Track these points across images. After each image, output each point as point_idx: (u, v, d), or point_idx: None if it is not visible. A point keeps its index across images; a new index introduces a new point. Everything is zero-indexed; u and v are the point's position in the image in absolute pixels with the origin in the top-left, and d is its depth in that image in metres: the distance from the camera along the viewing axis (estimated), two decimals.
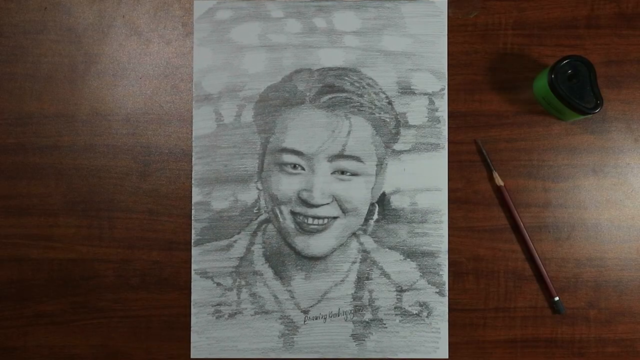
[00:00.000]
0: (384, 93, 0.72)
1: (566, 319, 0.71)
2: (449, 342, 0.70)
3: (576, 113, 0.66)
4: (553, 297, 0.70)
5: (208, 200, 0.71)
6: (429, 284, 0.71)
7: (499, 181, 0.70)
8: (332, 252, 0.71)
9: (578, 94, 0.66)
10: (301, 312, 0.71)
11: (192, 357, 0.71)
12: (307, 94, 0.72)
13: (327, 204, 0.71)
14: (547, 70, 0.67)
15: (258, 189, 0.71)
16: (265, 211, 0.71)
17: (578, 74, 0.66)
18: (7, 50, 0.73)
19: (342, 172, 0.71)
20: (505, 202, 0.70)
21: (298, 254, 0.71)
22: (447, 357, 0.70)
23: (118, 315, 0.72)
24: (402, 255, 0.71)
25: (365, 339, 0.71)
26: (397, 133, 0.71)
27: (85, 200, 0.72)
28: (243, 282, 0.71)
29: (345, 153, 0.71)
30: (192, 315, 0.71)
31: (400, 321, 0.71)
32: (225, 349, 0.71)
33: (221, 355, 0.71)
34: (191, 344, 0.71)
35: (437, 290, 0.71)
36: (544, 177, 0.71)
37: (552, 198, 0.71)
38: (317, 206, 0.70)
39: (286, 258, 0.71)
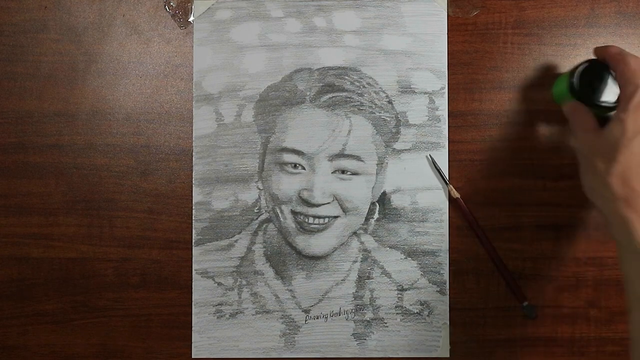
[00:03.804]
0: (384, 92, 0.72)
1: (566, 319, 0.71)
2: (450, 341, 0.71)
3: (602, 111, 0.66)
4: (522, 302, 0.70)
5: (208, 200, 0.71)
6: (429, 283, 0.71)
7: (455, 194, 0.71)
8: (333, 252, 0.71)
9: (600, 91, 0.65)
10: (302, 311, 0.71)
11: (193, 356, 0.71)
12: (308, 93, 0.72)
13: (328, 203, 0.71)
14: (565, 75, 0.66)
15: (259, 188, 0.71)
16: (265, 211, 0.71)
17: (597, 73, 0.65)
18: (7, 49, 0.73)
19: (343, 172, 0.71)
20: (464, 214, 0.71)
21: (299, 253, 0.71)
22: (448, 356, 0.71)
23: (118, 314, 0.72)
24: (402, 254, 0.71)
25: (367, 338, 0.71)
26: (398, 132, 0.72)
27: (86, 199, 0.72)
28: (244, 282, 0.71)
29: (346, 152, 0.71)
30: (193, 315, 0.71)
31: (401, 320, 0.71)
32: (227, 348, 0.71)
33: (222, 354, 0.71)
34: (192, 344, 0.71)
35: (438, 289, 0.71)
36: (544, 176, 0.71)
37: (552, 197, 0.71)
38: (317, 205, 0.70)
39: (287, 257, 0.71)
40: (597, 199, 0.60)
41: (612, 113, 0.61)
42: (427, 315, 0.71)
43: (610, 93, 0.64)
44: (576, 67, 0.65)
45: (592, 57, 0.66)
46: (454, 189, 0.70)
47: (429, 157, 0.71)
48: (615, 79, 0.64)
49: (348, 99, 0.71)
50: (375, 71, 0.72)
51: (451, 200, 0.71)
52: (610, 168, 0.56)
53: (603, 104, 0.64)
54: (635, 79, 0.59)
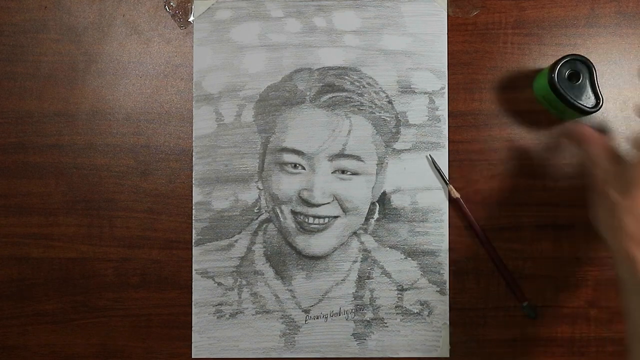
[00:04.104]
0: (384, 92, 0.72)
1: (566, 319, 0.71)
2: (450, 341, 0.71)
3: (576, 112, 0.66)
4: (522, 302, 0.70)
5: (208, 200, 0.71)
6: (429, 282, 0.71)
7: (455, 194, 0.70)
8: (333, 252, 0.71)
9: (578, 93, 0.66)
10: (302, 311, 0.71)
11: (193, 356, 0.71)
12: (308, 93, 0.72)
13: (328, 203, 0.71)
14: (547, 69, 0.67)
15: (259, 188, 0.71)
16: (265, 211, 0.71)
17: (578, 73, 0.66)
18: (7, 49, 0.73)
19: (343, 172, 0.71)
20: (464, 214, 0.71)
21: (299, 253, 0.71)
22: (448, 356, 0.71)
23: (118, 314, 0.72)
24: (402, 254, 0.71)
25: (367, 338, 0.71)
26: (398, 132, 0.72)
27: (86, 199, 0.72)
28: (244, 282, 0.71)
29: (346, 152, 0.71)
30: (193, 315, 0.71)
31: (401, 320, 0.71)
32: (227, 348, 0.71)
33: (222, 354, 0.71)
34: (192, 344, 0.71)
35: (438, 289, 0.71)
36: (544, 177, 0.71)
37: (552, 197, 0.71)
38: (317, 205, 0.70)
39: (287, 257, 0.71)
40: (606, 231, 0.58)
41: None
42: (427, 315, 0.71)
43: (588, 95, 0.65)
44: (557, 62, 0.65)
45: (575, 52, 0.66)
46: (454, 189, 0.70)
47: (429, 157, 0.71)
48: (596, 78, 0.65)
49: (348, 99, 0.71)
50: (375, 71, 0.72)
51: (451, 200, 0.71)
52: (625, 203, 0.54)
53: (580, 105, 0.65)
54: None
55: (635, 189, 0.54)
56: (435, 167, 0.71)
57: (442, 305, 0.71)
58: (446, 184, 0.71)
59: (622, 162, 0.58)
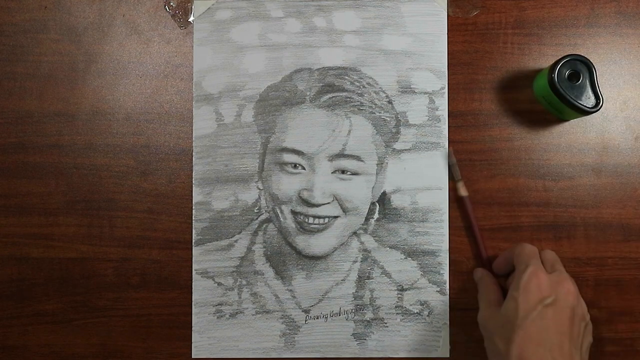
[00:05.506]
0: (384, 92, 0.72)
1: None
2: (450, 341, 0.71)
3: (576, 112, 0.66)
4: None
5: (208, 200, 0.71)
6: (429, 283, 0.71)
7: (464, 191, 0.70)
8: (333, 252, 0.71)
9: (578, 93, 0.66)
10: (302, 311, 0.71)
11: (193, 356, 0.71)
12: (308, 93, 0.72)
13: (328, 203, 0.71)
14: (547, 69, 0.67)
15: (259, 188, 0.71)
16: (265, 211, 0.71)
17: (578, 73, 0.66)
18: (7, 49, 0.73)
19: (343, 172, 0.71)
20: (467, 213, 0.71)
21: (299, 253, 0.71)
22: (448, 356, 0.71)
23: (118, 314, 0.72)
24: (402, 254, 0.71)
25: (367, 338, 0.71)
26: (398, 132, 0.72)
27: (86, 200, 0.72)
28: (244, 282, 0.71)
29: (346, 152, 0.71)
30: (193, 315, 0.71)
31: (401, 320, 0.71)
32: (227, 348, 0.71)
33: (222, 354, 0.71)
34: (192, 344, 0.71)
35: (438, 289, 0.71)
36: (544, 177, 0.71)
37: (552, 197, 0.71)
38: (317, 205, 0.70)
39: (287, 257, 0.71)
40: None
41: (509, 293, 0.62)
42: (427, 315, 0.71)
43: (588, 95, 0.65)
44: (557, 62, 0.65)
45: (575, 52, 0.66)
46: (464, 186, 0.70)
47: (449, 149, 0.70)
48: (596, 78, 0.65)
49: (348, 99, 0.71)
50: (375, 71, 0.72)
51: (456, 198, 0.71)
52: (508, 349, 0.57)
53: (580, 105, 0.65)
54: (527, 259, 0.62)
55: (513, 334, 0.58)
56: (449, 163, 0.70)
57: (442, 305, 0.71)
58: (458, 180, 0.70)
59: (501, 308, 0.61)
